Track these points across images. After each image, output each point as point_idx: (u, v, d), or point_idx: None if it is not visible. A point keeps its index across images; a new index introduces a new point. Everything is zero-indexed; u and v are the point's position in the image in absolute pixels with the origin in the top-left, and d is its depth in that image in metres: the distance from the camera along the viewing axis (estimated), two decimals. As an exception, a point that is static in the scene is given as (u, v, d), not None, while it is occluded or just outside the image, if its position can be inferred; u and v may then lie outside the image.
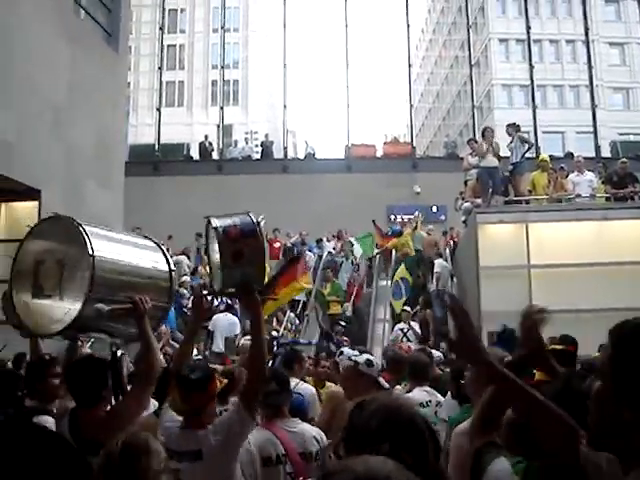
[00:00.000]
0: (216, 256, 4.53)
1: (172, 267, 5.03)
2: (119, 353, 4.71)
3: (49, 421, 4.98)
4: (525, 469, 2.98)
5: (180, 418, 4.23)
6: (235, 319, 16.32)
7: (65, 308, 4.37)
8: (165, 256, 5.05)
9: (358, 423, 2.46)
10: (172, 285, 5.06)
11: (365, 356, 5.88)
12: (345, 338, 14.38)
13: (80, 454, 2.10)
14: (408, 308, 17.25)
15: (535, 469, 2.79)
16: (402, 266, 19.23)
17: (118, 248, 4.76)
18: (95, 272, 4.27)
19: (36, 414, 5.03)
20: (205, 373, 4.24)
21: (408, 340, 15.30)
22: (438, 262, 18.74)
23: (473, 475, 2.83)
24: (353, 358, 5.92)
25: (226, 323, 16.08)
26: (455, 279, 18.75)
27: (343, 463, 1.65)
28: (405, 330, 16.08)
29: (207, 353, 15.39)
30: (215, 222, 4.44)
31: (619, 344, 1.90)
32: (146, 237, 5.25)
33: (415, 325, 16.38)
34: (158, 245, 5.14)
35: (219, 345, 15.82)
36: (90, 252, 4.29)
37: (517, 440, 3.00)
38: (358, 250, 21.94)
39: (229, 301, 16.58)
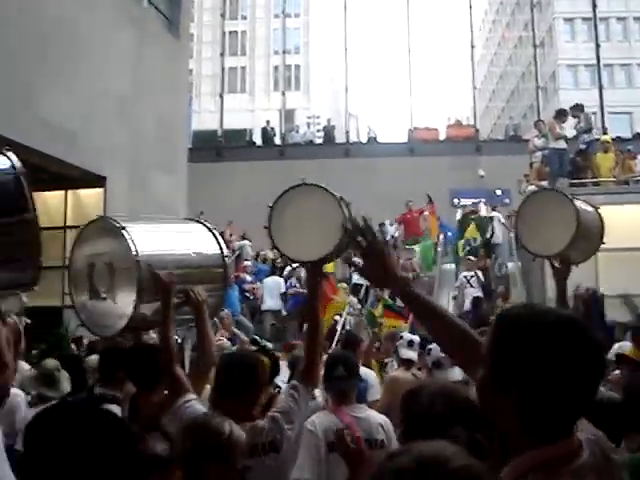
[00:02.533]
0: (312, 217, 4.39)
1: (225, 251, 4.86)
2: (179, 339, 4.70)
3: (114, 410, 5.06)
4: None
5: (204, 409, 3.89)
6: (279, 279, 18.80)
7: (119, 311, 4.38)
8: (216, 239, 4.87)
9: (418, 411, 2.42)
10: (226, 269, 4.90)
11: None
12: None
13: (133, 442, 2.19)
14: (473, 257, 18.42)
15: None
16: (472, 226, 20.54)
17: (163, 242, 4.66)
18: (142, 274, 4.22)
19: (105, 402, 5.09)
20: (253, 360, 4.12)
21: (471, 286, 16.93)
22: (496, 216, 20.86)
23: None
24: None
25: (272, 283, 18.70)
26: (520, 263, 18.54)
27: (406, 445, 1.65)
28: (469, 277, 17.27)
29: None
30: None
31: (498, 333, 1.94)
32: (195, 220, 5.13)
33: (480, 273, 17.53)
34: (209, 229, 4.94)
35: (268, 303, 18.16)
36: (134, 254, 4.21)
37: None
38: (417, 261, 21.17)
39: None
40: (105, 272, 4.41)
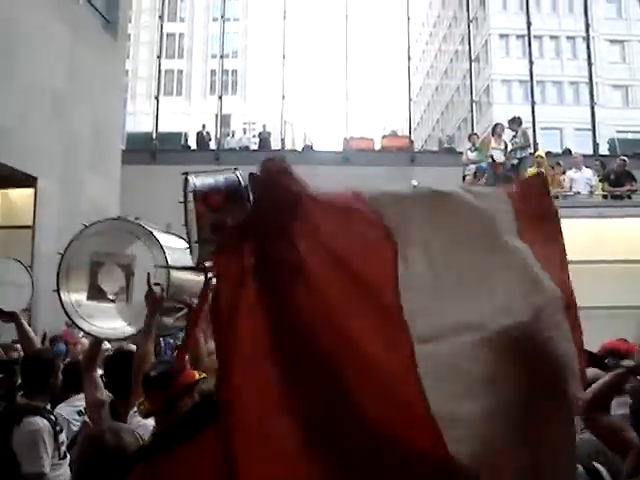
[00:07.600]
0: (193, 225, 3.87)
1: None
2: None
3: (39, 423, 4.95)
4: None
5: (147, 422, 3.92)
6: None
7: (131, 315, 4.32)
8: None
9: None
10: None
11: None
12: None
13: None
14: None
15: None
16: None
17: (174, 253, 4.69)
18: (170, 286, 4.24)
19: (27, 414, 5.01)
20: (165, 369, 3.94)
21: None
22: None
23: None
24: None
25: None
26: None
27: None
28: None
29: None
30: (193, 181, 3.81)
31: None
32: (176, 235, 5.09)
33: None
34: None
35: None
36: (167, 266, 4.31)
37: None
38: None
39: None
40: (118, 275, 4.34)
